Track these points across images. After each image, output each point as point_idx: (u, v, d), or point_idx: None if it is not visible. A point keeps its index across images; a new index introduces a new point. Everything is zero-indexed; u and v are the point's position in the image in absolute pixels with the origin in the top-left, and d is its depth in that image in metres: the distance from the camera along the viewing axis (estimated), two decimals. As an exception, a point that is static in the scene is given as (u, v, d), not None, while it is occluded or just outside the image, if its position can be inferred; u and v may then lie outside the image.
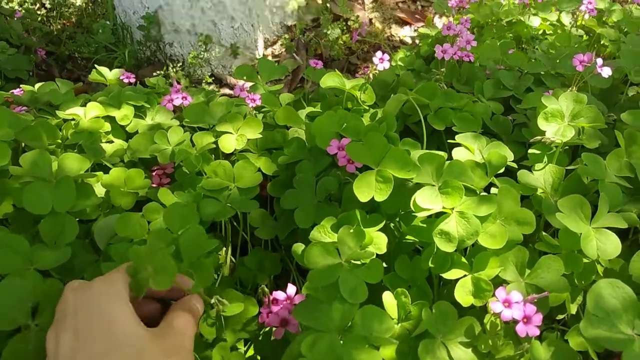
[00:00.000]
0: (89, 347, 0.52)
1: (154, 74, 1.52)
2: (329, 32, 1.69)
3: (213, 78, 1.68)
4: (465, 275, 0.69)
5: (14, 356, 0.60)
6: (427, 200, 0.69)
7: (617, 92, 1.09)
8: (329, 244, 0.66)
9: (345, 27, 1.78)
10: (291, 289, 0.70)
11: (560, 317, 0.76)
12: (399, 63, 1.36)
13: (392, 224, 0.81)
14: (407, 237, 0.79)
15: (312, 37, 1.78)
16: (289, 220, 0.83)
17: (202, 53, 1.63)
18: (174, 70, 1.55)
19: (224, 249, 0.85)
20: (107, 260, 0.73)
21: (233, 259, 0.88)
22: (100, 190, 0.85)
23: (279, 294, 0.70)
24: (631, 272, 0.68)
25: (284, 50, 1.78)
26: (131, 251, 0.61)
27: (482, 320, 0.67)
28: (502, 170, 0.82)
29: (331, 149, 0.80)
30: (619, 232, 0.79)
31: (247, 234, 0.90)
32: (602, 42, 1.42)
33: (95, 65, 1.16)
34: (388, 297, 0.68)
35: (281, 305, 0.68)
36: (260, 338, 0.74)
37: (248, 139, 0.88)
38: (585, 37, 1.43)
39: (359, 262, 0.66)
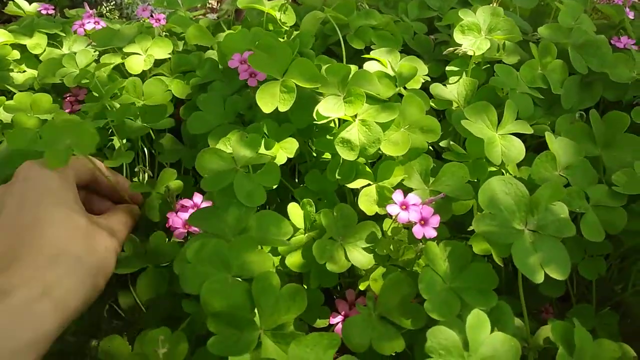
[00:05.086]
0: (31, 208, 0.58)
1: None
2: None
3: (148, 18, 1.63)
4: (369, 184, 0.69)
5: None
6: (329, 109, 0.67)
7: (545, 15, 1.08)
8: (223, 151, 0.65)
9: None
10: (197, 197, 0.69)
11: (470, 228, 0.76)
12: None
13: (309, 143, 0.80)
14: (324, 156, 0.79)
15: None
16: (196, 144, 0.81)
17: (139, -8, 1.58)
18: (107, 9, 1.49)
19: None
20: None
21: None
22: (6, 117, 0.82)
23: (186, 201, 0.69)
24: (533, 176, 0.69)
25: (225, -11, 1.73)
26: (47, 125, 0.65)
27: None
28: (418, 86, 0.81)
29: (232, 62, 0.78)
30: (538, 146, 0.79)
31: (166, 163, 0.88)
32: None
33: (15, -3, 1.11)
34: (293, 208, 0.68)
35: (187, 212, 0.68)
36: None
37: (161, 62, 0.85)
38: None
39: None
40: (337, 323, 0.65)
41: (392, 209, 0.61)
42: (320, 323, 0.65)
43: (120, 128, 0.74)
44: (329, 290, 0.73)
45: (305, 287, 0.66)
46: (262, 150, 0.68)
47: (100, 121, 0.75)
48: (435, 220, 0.62)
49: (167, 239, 0.70)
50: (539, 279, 0.56)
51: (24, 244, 0.56)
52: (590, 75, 0.83)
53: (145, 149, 0.83)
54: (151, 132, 0.83)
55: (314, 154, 0.81)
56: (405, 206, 0.62)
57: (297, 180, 0.84)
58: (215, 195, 0.63)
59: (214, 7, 1.71)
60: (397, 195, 0.63)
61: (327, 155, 0.78)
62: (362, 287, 0.65)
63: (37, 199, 0.59)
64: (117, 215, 0.69)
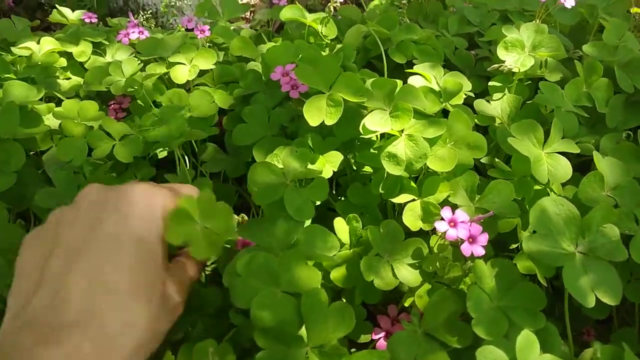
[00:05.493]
0: (99, 236, 0.48)
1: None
2: (305, -19, 1.66)
3: (186, 28, 1.65)
4: (414, 200, 0.69)
5: None
6: (376, 123, 0.67)
7: (586, 32, 1.08)
8: (274, 165, 0.65)
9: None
10: None
11: (513, 246, 0.76)
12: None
13: (350, 156, 0.80)
14: (364, 169, 0.79)
15: (289, -13, 1.74)
16: (240, 155, 0.82)
17: (174, 1, 1.60)
18: (144, 17, 1.51)
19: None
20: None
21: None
22: (55, 123, 0.84)
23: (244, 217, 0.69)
24: (580, 195, 0.68)
25: (259, 0, 1.75)
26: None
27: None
28: (461, 102, 0.81)
29: (275, 75, 0.78)
30: (581, 165, 0.79)
31: (206, 172, 0.89)
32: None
33: (57, 5, 1.13)
34: (339, 223, 0.68)
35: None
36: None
37: (204, 72, 0.86)
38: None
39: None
40: (379, 339, 0.65)
41: (440, 226, 0.61)
42: (363, 339, 0.65)
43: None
44: (366, 306, 0.73)
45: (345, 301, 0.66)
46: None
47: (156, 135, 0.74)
48: (484, 239, 0.61)
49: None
50: (590, 302, 0.55)
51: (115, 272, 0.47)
52: (636, 95, 0.82)
53: (186, 159, 0.84)
54: (193, 142, 0.84)
55: (354, 167, 0.81)
56: (453, 223, 0.62)
57: (334, 192, 0.84)
58: (264, 208, 0.63)
59: (248, 17, 1.73)
60: (446, 212, 0.62)
61: (368, 169, 0.78)
62: (406, 303, 0.64)
63: (143, 224, 0.51)
64: (184, 268, 0.59)
